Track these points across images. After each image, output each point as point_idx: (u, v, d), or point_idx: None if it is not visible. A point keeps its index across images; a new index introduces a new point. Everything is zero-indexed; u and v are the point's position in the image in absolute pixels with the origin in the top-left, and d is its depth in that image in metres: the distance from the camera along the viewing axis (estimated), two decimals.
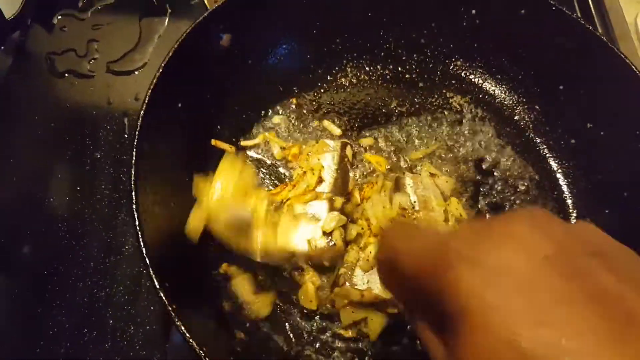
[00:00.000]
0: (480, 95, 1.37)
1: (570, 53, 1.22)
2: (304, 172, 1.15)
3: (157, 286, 0.89)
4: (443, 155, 1.28)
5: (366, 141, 1.28)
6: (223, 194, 1.02)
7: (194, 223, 1.03)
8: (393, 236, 0.62)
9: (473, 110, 1.35)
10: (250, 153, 1.24)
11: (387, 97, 1.34)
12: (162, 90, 1.04)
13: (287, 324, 1.08)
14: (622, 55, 1.14)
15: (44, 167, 1.26)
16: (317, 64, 1.34)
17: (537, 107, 1.33)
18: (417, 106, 1.34)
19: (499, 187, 1.26)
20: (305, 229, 1.08)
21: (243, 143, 1.24)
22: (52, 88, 1.36)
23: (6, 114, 1.32)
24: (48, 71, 1.37)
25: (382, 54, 1.37)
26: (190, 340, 0.87)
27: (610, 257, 0.48)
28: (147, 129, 1.00)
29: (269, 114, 1.30)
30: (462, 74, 1.38)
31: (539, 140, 1.33)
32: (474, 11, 1.28)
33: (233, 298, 1.09)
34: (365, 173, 1.24)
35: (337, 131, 1.27)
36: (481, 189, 1.25)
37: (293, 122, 1.29)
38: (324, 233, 1.08)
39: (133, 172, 0.95)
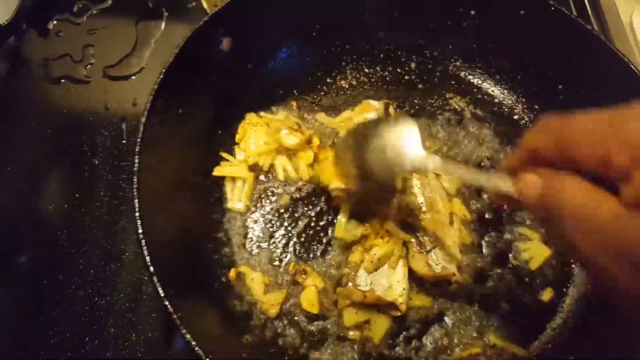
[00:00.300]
0: (480, 96, 1.37)
1: (569, 53, 1.22)
2: None
3: (162, 294, 0.88)
4: (443, 155, 1.28)
5: None
6: None
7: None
8: (559, 118, 0.67)
9: (472, 110, 1.35)
10: None
11: (386, 98, 1.33)
12: (163, 96, 1.03)
13: (293, 325, 1.08)
14: (620, 54, 1.14)
15: (42, 174, 1.25)
16: (316, 66, 1.34)
17: (537, 107, 1.34)
18: (417, 107, 1.34)
19: None
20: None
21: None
22: (48, 94, 1.34)
23: (2, 120, 1.30)
24: (44, 77, 1.36)
25: (382, 55, 1.37)
26: (197, 348, 0.86)
27: None
28: (149, 136, 1.00)
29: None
30: (462, 74, 1.38)
31: None
32: (473, 12, 1.28)
33: (240, 300, 1.09)
34: None
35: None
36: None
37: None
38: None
39: (135, 180, 0.94)
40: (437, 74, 1.37)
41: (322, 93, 1.34)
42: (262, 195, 1.21)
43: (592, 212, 0.57)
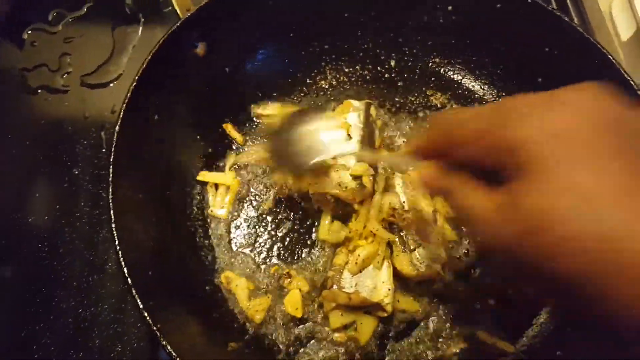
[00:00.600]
0: (460, 92, 1.36)
1: (548, 46, 1.21)
2: None
3: (141, 306, 0.88)
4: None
5: None
6: None
7: None
8: (447, 114, 0.74)
9: (454, 106, 1.34)
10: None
11: (367, 97, 1.32)
12: (137, 103, 1.02)
13: (279, 330, 1.07)
14: (599, 46, 1.14)
15: (21, 186, 1.23)
16: (295, 67, 1.33)
17: None
18: (397, 105, 1.33)
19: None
20: (335, 175, 1.11)
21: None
22: (25, 105, 1.33)
23: None
24: (20, 88, 1.34)
25: (360, 54, 1.36)
26: (176, 357, 0.85)
27: None
28: (124, 144, 0.99)
29: (249, 120, 1.28)
30: (441, 71, 1.37)
31: None
32: (450, 7, 1.27)
33: (224, 308, 1.09)
34: None
35: None
36: None
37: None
38: (354, 177, 1.10)
39: (111, 191, 0.94)
40: (417, 70, 1.36)
41: (302, 94, 1.33)
42: (244, 201, 1.20)
43: (468, 211, 0.61)
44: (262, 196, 1.21)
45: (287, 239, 1.17)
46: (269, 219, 1.18)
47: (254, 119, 1.29)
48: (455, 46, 1.33)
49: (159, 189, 1.09)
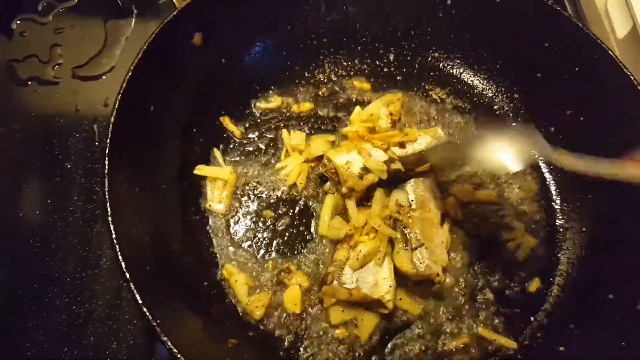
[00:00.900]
0: (459, 86, 1.36)
1: (546, 41, 1.21)
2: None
3: (140, 301, 0.85)
4: None
5: None
6: None
7: None
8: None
9: (453, 101, 1.34)
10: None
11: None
12: (133, 94, 0.99)
13: (279, 325, 1.06)
14: (598, 41, 1.14)
15: (12, 181, 1.20)
16: (293, 61, 1.31)
17: (517, 96, 1.33)
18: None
19: (486, 177, 1.25)
20: (355, 156, 1.12)
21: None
22: (15, 97, 1.29)
23: None
24: (10, 79, 1.30)
25: (359, 48, 1.35)
26: (179, 356, 0.84)
27: None
28: (120, 136, 0.96)
29: (247, 113, 1.27)
30: (440, 65, 1.36)
31: (520, 129, 1.32)
32: (449, 2, 1.27)
33: (223, 304, 1.07)
34: None
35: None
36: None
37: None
38: (364, 167, 1.10)
39: (107, 184, 0.91)
40: (416, 65, 1.36)
41: (301, 87, 1.31)
42: (243, 195, 1.18)
43: None
44: (260, 190, 1.19)
45: (287, 234, 1.15)
46: (268, 214, 1.16)
47: (254, 112, 1.27)
48: (454, 41, 1.33)
49: (156, 182, 1.07)
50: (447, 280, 1.11)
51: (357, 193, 1.12)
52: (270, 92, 1.29)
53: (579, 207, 1.22)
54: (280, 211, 1.17)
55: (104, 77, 1.32)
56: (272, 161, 1.22)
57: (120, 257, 0.87)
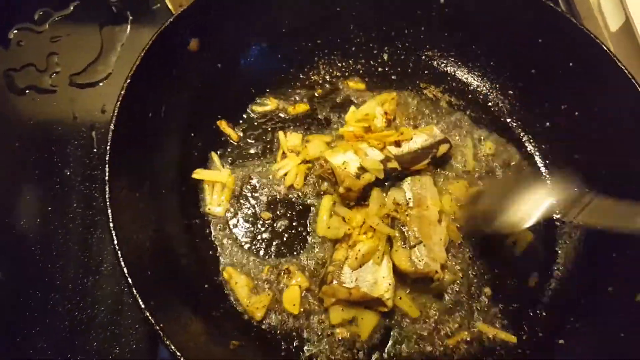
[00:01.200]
0: (454, 84, 1.36)
1: (540, 36, 1.22)
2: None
3: (142, 306, 0.86)
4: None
5: None
6: None
7: None
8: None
9: (447, 99, 1.34)
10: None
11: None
12: (131, 101, 1.00)
13: (280, 326, 1.06)
14: (592, 36, 1.15)
15: (11, 189, 1.21)
16: (288, 63, 1.32)
17: (511, 92, 1.34)
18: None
19: (483, 173, 1.26)
20: (351, 156, 1.13)
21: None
22: (13, 106, 1.30)
23: None
24: (7, 89, 1.31)
25: (353, 48, 1.35)
26: (182, 359, 0.84)
27: None
28: (119, 143, 0.97)
29: (243, 117, 1.27)
30: (434, 64, 1.37)
31: (514, 125, 1.33)
32: (442, 0, 1.27)
33: (224, 306, 1.07)
34: None
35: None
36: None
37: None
38: (360, 167, 1.11)
39: (107, 189, 0.92)
40: (410, 64, 1.36)
41: (297, 90, 1.32)
42: (241, 198, 1.19)
43: None
44: (258, 192, 1.20)
45: (286, 235, 1.16)
46: (267, 215, 1.17)
47: (251, 115, 1.28)
48: (448, 39, 1.34)
49: (155, 187, 1.08)
50: (446, 277, 1.11)
51: (354, 193, 1.13)
52: (266, 94, 1.30)
53: (577, 203, 1.22)
54: (278, 212, 1.18)
55: (101, 84, 1.33)
56: (270, 163, 1.22)
57: (122, 263, 0.88)
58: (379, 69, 1.36)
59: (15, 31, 1.37)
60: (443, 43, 1.35)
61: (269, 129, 1.27)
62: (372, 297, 1.04)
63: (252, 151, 1.24)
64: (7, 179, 1.22)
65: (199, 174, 1.18)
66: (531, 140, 1.31)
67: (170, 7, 1.31)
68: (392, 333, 1.08)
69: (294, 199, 1.19)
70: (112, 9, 1.43)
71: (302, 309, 1.08)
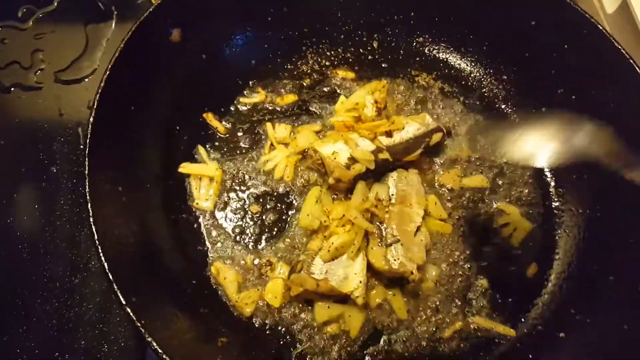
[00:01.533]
0: (447, 71, 1.33)
1: (533, 18, 1.19)
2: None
3: (124, 302, 0.84)
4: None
5: None
6: None
7: None
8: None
9: (440, 86, 1.31)
10: None
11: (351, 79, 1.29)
12: (112, 93, 0.98)
13: (270, 323, 1.04)
14: (587, 16, 1.12)
15: None
16: (275, 53, 1.29)
17: (505, 77, 1.30)
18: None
19: (478, 162, 1.23)
20: (341, 146, 1.10)
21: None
22: None
23: None
24: None
25: (342, 36, 1.32)
26: (164, 357, 0.82)
27: None
28: (99, 136, 0.95)
29: (230, 109, 1.25)
30: (426, 50, 1.34)
31: (509, 111, 1.30)
32: None
33: (213, 302, 1.05)
34: None
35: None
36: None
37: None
38: (351, 157, 1.08)
39: (87, 183, 0.90)
40: (401, 51, 1.33)
41: (285, 80, 1.29)
42: (229, 191, 1.17)
43: None
44: (247, 185, 1.17)
45: (275, 229, 1.13)
46: (256, 208, 1.15)
47: (238, 107, 1.25)
48: (438, 24, 1.31)
49: (139, 181, 1.06)
50: (427, 283, 1.09)
51: (344, 184, 1.10)
52: (254, 86, 1.27)
53: (576, 188, 1.19)
54: (267, 205, 1.16)
55: (86, 80, 1.31)
56: (258, 156, 1.20)
57: (102, 257, 0.86)
58: (369, 57, 1.33)
59: None
60: (434, 28, 1.32)
61: (257, 121, 1.24)
62: (341, 293, 1.00)
63: (240, 144, 1.22)
64: None
65: (185, 168, 1.15)
66: (526, 127, 1.27)
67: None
68: (383, 331, 1.05)
69: (283, 192, 1.17)
70: (96, 4, 1.40)
71: (294, 304, 1.06)
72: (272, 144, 1.21)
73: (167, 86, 1.14)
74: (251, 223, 1.14)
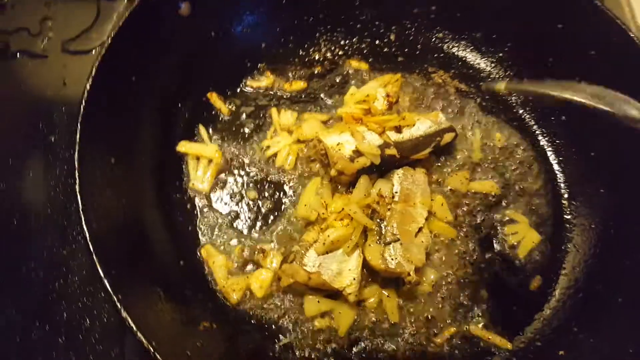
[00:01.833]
0: (465, 70, 1.28)
1: (560, 21, 1.13)
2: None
3: (101, 274, 0.81)
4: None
5: None
6: None
7: None
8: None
9: (456, 85, 1.26)
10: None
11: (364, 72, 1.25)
12: (113, 62, 0.95)
13: (257, 312, 1.01)
14: (617, 20, 1.05)
15: None
16: (287, 37, 1.26)
17: (526, 82, 1.24)
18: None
19: (490, 167, 1.18)
20: (347, 138, 1.06)
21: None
22: (3, 70, 1.27)
23: None
24: (1, 52, 1.28)
25: (358, 26, 1.28)
26: (138, 334, 0.79)
27: None
28: (95, 105, 0.92)
29: (236, 91, 1.22)
30: (444, 47, 1.29)
31: (527, 116, 1.24)
32: None
33: (199, 285, 1.02)
34: None
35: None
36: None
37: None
38: (356, 150, 1.04)
39: (77, 149, 0.88)
40: (419, 46, 1.29)
41: (295, 66, 1.25)
42: (228, 175, 1.13)
43: None
44: (246, 171, 1.14)
45: (271, 217, 1.10)
46: (253, 195, 1.11)
47: (244, 89, 1.22)
48: (460, 20, 1.25)
49: (134, 155, 1.03)
50: (424, 286, 1.04)
51: (346, 177, 1.06)
52: (262, 69, 1.24)
53: (590, 202, 1.13)
54: (265, 193, 1.12)
55: (93, 52, 1.29)
56: (260, 141, 1.16)
57: (84, 225, 0.84)
58: (385, 50, 1.28)
59: None
60: (455, 25, 1.27)
61: (263, 105, 1.21)
62: (332, 288, 0.96)
63: (242, 127, 1.18)
64: None
65: (184, 146, 1.12)
66: (545, 134, 1.22)
67: None
68: (374, 331, 1.01)
69: (282, 180, 1.13)
70: None
71: (282, 296, 1.02)
72: (275, 130, 1.17)
73: (172, 61, 1.11)
74: (247, 209, 1.10)
